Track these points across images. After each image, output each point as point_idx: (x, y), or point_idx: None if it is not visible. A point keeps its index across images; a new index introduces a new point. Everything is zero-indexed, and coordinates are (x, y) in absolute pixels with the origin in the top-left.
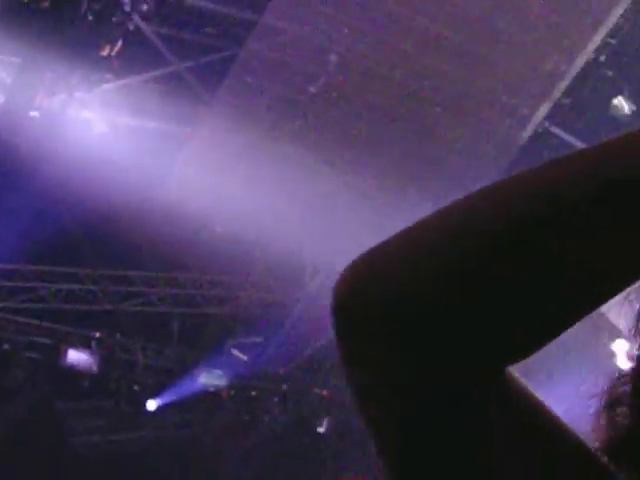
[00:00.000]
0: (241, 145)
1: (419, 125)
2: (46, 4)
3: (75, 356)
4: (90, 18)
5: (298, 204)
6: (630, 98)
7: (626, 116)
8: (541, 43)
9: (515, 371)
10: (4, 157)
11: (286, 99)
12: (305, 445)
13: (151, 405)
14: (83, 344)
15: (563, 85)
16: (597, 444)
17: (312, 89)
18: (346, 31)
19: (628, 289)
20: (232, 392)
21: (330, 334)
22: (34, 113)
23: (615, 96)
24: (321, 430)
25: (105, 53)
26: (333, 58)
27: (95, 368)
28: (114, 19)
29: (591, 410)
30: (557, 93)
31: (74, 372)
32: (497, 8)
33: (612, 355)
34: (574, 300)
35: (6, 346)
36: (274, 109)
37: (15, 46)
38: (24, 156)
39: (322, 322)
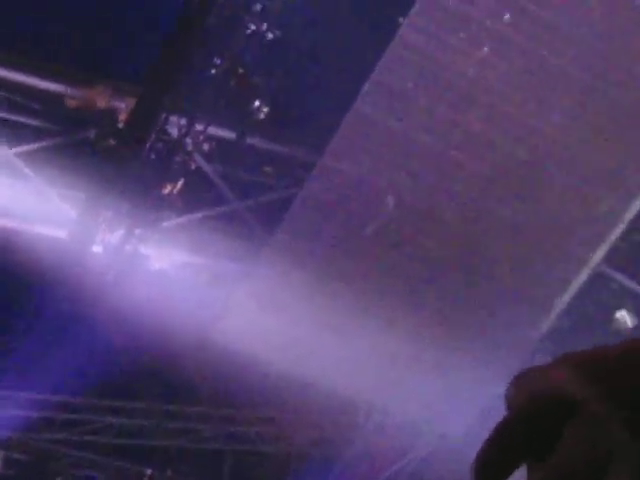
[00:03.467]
0: (297, 285)
1: (473, 270)
2: (112, 142)
3: None
4: (153, 157)
5: (353, 345)
6: None
7: None
8: (596, 186)
9: None
10: (65, 291)
11: (342, 240)
12: None
13: None
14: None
15: (620, 228)
16: None
17: (368, 231)
18: (404, 174)
19: None
20: None
21: (385, 475)
22: (97, 248)
23: None
24: None
25: (167, 191)
26: (390, 200)
27: None
28: (176, 158)
29: None
30: (613, 236)
31: None
32: (549, 155)
33: None
34: None
35: (59, 479)
36: (330, 250)
37: (80, 182)
38: (84, 291)
39: (377, 462)
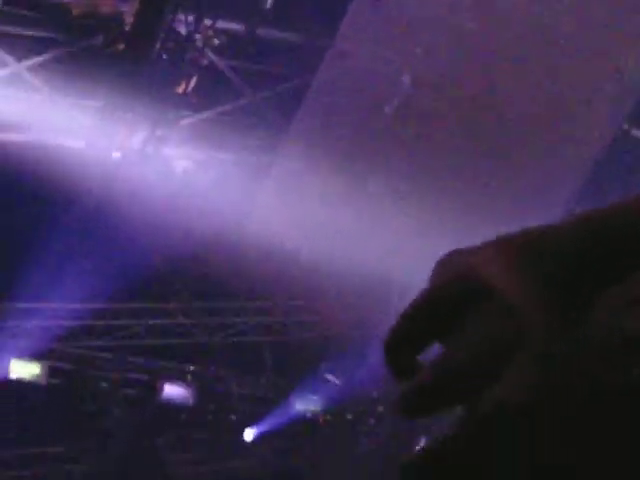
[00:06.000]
0: (320, 170)
1: (495, 140)
2: (121, 46)
3: (171, 390)
4: (164, 57)
5: (381, 224)
6: None
7: None
8: (613, 43)
9: None
10: (90, 201)
11: (362, 122)
12: None
13: (248, 435)
14: (178, 378)
15: None
16: None
17: (387, 110)
18: (418, 50)
19: None
20: (328, 417)
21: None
22: (116, 154)
23: None
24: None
25: (181, 90)
26: (406, 78)
27: (191, 401)
28: (187, 56)
29: None
30: (635, 96)
31: (171, 406)
32: (569, 14)
33: None
34: None
35: (104, 384)
36: (351, 133)
37: (93, 90)
38: (109, 198)
39: None
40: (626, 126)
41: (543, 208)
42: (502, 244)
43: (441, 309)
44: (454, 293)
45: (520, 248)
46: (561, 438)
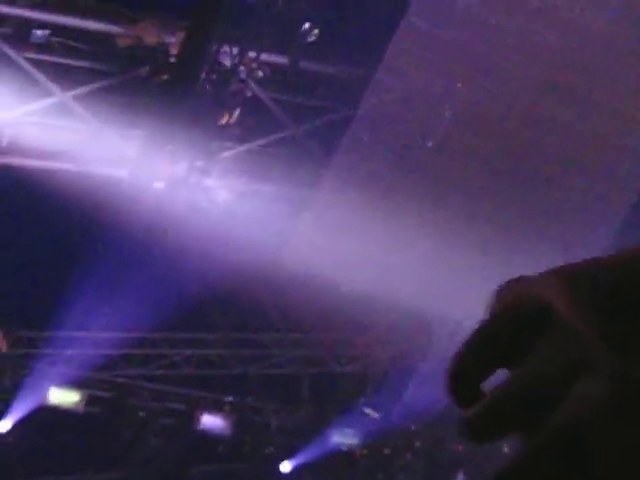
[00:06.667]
0: (361, 203)
1: (535, 174)
2: (165, 77)
3: (209, 421)
4: (208, 88)
5: (420, 259)
6: None
7: None
8: None
9: None
10: (132, 229)
11: (402, 156)
12: None
13: (285, 467)
14: (216, 408)
15: None
16: None
17: (428, 144)
18: (459, 85)
19: None
20: (365, 451)
21: None
22: (159, 184)
23: None
24: None
25: (224, 121)
26: (448, 112)
27: (229, 432)
28: (231, 88)
29: None
30: None
31: (208, 436)
32: (610, 52)
33: None
34: None
35: (141, 413)
36: (391, 167)
37: (137, 119)
38: (151, 227)
39: None
40: None
41: (582, 247)
42: (562, 273)
43: (503, 335)
44: (517, 319)
45: (582, 277)
46: (629, 460)
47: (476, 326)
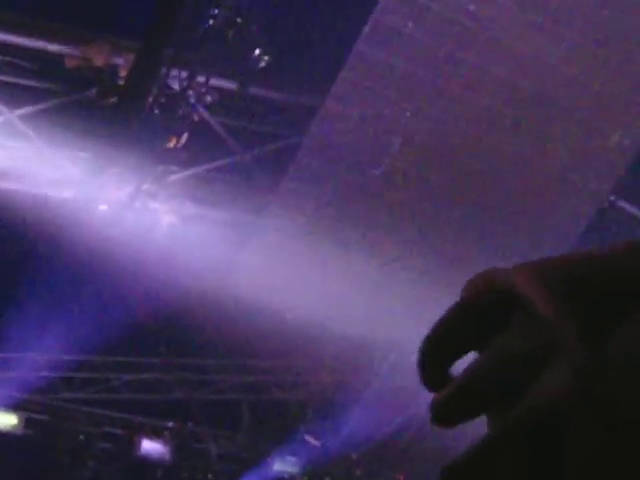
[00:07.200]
0: (307, 231)
1: (482, 206)
2: (113, 99)
3: (148, 446)
4: (156, 111)
5: (365, 287)
6: None
7: None
8: (605, 118)
9: None
10: (74, 251)
11: (350, 184)
12: None
13: None
14: (156, 434)
15: (629, 160)
16: None
17: (375, 172)
18: (408, 114)
19: None
20: (306, 478)
21: (402, 416)
22: (103, 207)
23: None
24: None
25: (171, 145)
26: (396, 141)
27: (168, 457)
28: (180, 111)
29: None
30: (621, 168)
31: (148, 462)
32: (554, 89)
33: None
34: None
35: (81, 437)
36: (338, 195)
37: (84, 141)
38: (94, 249)
39: (394, 404)
40: (613, 197)
41: None
42: (534, 264)
43: (473, 319)
44: (486, 303)
45: (552, 267)
46: (593, 447)
47: (446, 310)
